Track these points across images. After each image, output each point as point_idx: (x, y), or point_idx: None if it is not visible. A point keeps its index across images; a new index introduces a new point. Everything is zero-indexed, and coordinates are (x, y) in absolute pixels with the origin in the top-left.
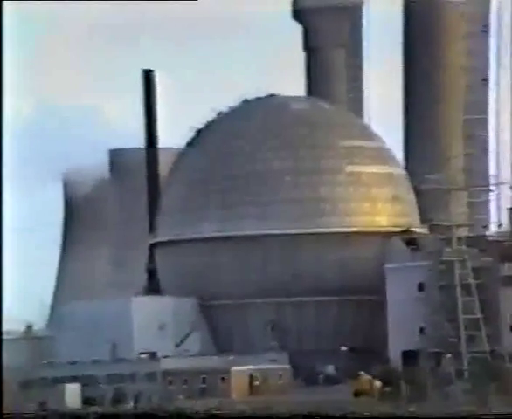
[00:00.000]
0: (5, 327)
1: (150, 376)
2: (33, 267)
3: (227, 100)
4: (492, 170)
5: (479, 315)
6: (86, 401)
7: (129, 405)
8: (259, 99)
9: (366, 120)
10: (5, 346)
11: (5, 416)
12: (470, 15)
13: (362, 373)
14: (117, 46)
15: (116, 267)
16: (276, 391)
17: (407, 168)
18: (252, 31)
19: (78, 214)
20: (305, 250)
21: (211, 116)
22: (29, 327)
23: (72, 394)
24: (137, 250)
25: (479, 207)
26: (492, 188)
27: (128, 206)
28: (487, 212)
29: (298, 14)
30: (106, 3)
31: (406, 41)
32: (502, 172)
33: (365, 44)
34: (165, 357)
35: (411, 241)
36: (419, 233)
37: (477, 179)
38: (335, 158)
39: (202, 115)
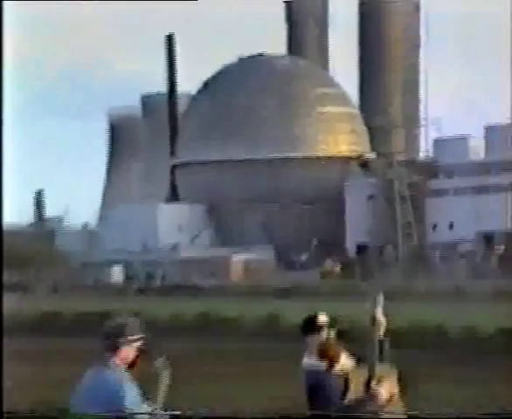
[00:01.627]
0: (68, 223)
1: (172, 262)
2: (87, 180)
3: (228, 58)
4: (422, 113)
5: (411, 218)
6: (127, 278)
7: (157, 282)
8: (251, 57)
9: (331, 73)
10: (69, 237)
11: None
12: None
13: (327, 260)
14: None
15: (147, 182)
16: (264, 274)
17: (362, 109)
18: (252, 10)
19: (119, 141)
20: (286, 170)
21: (216, 70)
22: (85, 224)
23: (117, 273)
24: (162, 170)
25: (412, 139)
26: (422, 125)
27: (155, 136)
28: (417, 143)
29: None
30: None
31: (361, 18)
32: (429, 114)
33: (331, 19)
34: (184, 248)
35: (363, 164)
36: (370, 158)
37: (411, 119)
38: (309, 101)
39: (209, 69)
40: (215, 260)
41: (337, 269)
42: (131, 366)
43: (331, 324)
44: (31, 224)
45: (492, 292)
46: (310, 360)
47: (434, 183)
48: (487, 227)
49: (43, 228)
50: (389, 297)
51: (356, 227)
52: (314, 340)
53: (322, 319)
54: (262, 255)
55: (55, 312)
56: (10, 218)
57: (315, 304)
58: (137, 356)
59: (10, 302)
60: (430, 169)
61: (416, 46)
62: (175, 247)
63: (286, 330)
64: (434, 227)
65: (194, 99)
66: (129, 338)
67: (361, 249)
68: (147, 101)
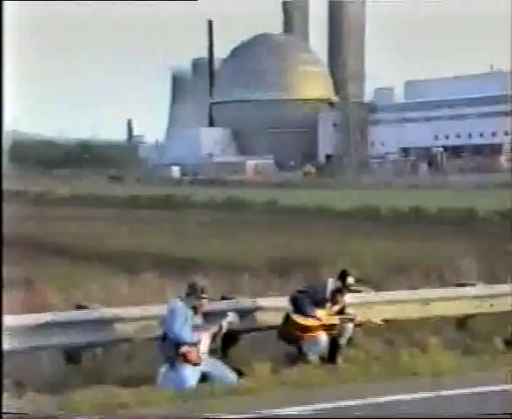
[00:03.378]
0: (146, 139)
1: (209, 164)
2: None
3: (247, 35)
4: (366, 70)
5: (359, 138)
6: (182, 174)
7: (200, 177)
8: (262, 34)
9: (311, 44)
10: (147, 148)
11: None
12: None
13: (307, 165)
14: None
15: (195, 114)
16: (267, 174)
17: (329, 66)
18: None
19: (179, 88)
20: (282, 107)
21: (239, 42)
22: (157, 140)
23: (176, 171)
24: (205, 106)
25: (360, 88)
26: (366, 79)
27: (200, 86)
28: (363, 90)
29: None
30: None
31: (330, 9)
32: (371, 71)
33: (310, 17)
34: (217, 156)
35: (330, 104)
36: (334, 100)
37: (360, 74)
38: (295, 63)
39: (235, 43)
40: (236, 164)
41: (313, 170)
42: (195, 308)
43: (351, 286)
44: (125, 140)
45: (407, 185)
46: (332, 285)
47: (373, 117)
48: (405, 144)
49: (131, 143)
50: (344, 186)
51: (325, 144)
52: (336, 282)
53: (349, 280)
54: (266, 161)
55: (137, 195)
56: (113, 136)
57: (300, 192)
58: (200, 305)
59: (111, 188)
60: (371, 108)
61: (362, 28)
62: (211, 155)
63: (281, 209)
64: (372, 144)
65: (224, 61)
66: (197, 292)
67: (328, 158)
68: (196, 63)
